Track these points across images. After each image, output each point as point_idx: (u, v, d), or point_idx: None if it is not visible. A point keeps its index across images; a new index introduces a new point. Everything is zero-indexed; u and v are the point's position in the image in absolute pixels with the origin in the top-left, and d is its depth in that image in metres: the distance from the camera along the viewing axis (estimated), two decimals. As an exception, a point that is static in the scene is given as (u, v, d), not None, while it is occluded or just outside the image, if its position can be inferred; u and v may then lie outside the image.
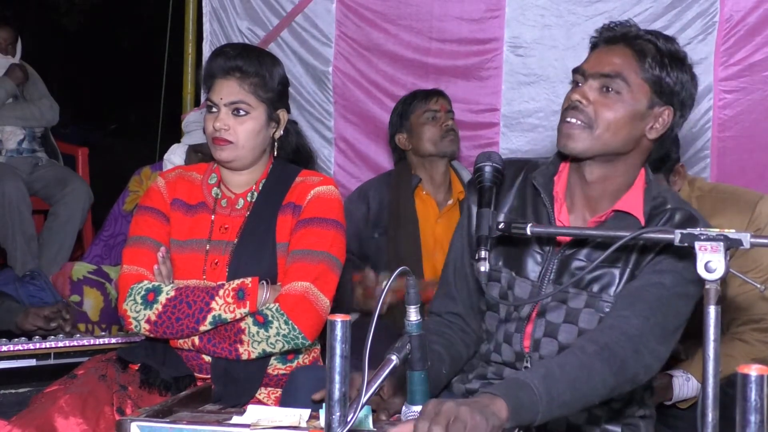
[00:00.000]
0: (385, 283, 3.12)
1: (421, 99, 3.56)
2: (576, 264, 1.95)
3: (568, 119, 1.91)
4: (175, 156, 3.84)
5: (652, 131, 1.94)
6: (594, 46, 2.01)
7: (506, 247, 2.03)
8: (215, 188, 2.40)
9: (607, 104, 1.89)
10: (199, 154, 3.74)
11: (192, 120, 3.98)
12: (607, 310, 1.89)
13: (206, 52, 4.43)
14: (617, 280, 1.91)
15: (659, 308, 1.81)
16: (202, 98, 4.07)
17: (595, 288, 1.93)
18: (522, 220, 1.96)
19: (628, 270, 1.91)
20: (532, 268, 1.99)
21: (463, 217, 2.15)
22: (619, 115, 1.89)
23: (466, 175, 3.60)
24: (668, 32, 3.72)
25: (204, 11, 4.55)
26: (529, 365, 1.98)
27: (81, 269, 3.60)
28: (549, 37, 3.99)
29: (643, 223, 1.92)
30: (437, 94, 3.59)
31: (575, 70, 1.97)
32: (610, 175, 1.95)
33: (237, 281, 2.23)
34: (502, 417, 1.53)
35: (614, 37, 1.95)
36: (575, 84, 1.96)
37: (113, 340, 2.73)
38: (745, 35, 3.70)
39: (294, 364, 2.33)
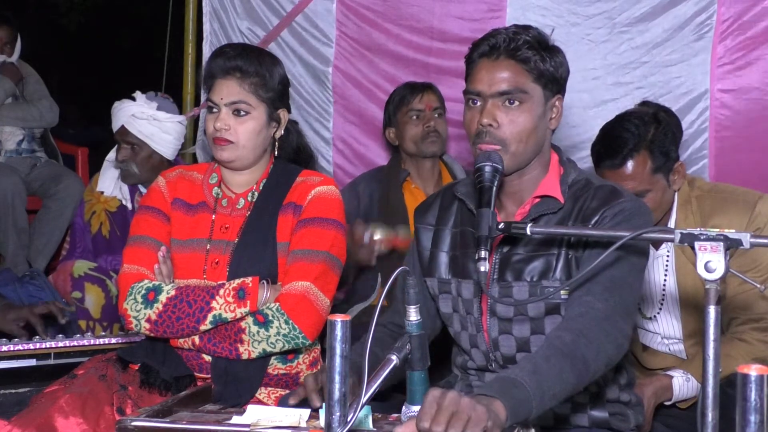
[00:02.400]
0: (376, 235, 3.12)
1: (407, 95, 3.52)
2: (516, 257, 2.03)
3: (482, 146, 1.98)
4: (113, 152, 3.78)
5: (552, 122, 2.06)
6: (470, 62, 2.05)
7: (453, 258, 2.13)
8: (216, 188, 2.40)
9: (514, 118, 1.98)
10: (122, 144, 3.61)
11: (114, 107, 3.76)
12: (551, 293, 1.95)
13: (206, 52, 4.42)
14: (554, 265, 1.99)
15: (614, 288, 1.88)
16: (202, 98, 4.06)
17: (535, 276, 2.00)
18: (471, 230, 2.04)
19: (563, 252, 1.99)
20: (475, 269, 2.02)
21: (413, 242, 2.23)
22: (528, 123, 1.98)
23: (458, 169, 3.59)
24: (665, 32, 3.80)
25: (204, 11, 4.54)
26: (493, 366, 2.07)
27: (82, 266, 3.59)
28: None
29: (562, 201, 2.01)
30: (423, 90, 3.53)
31: (468, 92, 2.03)
32: (525, 171, 2.06)
33: (237, 281, 2.23)
34: (502, 417, 1.54)
35: (493, 51, 2.00)
36: (471, 103, 2.03)
37: (113, 340, 2.73)
38: (742, 34, 3.70)
39: (294, 364, 2.33)
